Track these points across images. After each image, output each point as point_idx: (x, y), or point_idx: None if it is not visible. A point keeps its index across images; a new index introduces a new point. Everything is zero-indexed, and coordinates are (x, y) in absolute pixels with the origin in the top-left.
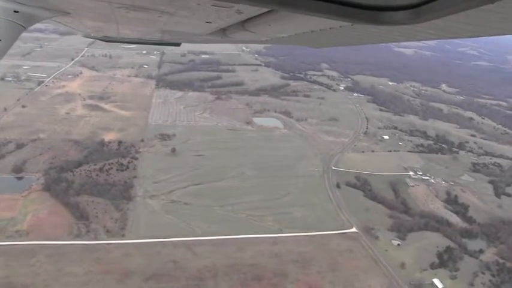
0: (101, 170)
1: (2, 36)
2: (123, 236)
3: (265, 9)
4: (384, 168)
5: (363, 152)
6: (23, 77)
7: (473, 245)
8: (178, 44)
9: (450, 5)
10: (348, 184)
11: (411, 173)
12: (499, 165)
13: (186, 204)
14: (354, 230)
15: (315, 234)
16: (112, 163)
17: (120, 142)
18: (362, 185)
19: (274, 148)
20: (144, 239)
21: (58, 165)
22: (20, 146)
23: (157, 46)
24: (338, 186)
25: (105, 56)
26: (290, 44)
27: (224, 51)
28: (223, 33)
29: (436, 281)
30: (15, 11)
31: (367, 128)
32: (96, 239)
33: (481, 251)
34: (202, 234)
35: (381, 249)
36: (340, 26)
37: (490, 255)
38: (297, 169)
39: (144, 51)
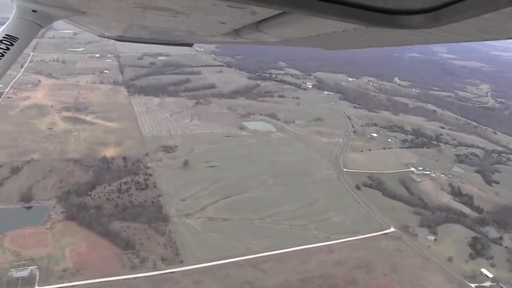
0: (119, 190)
1: (20, 35)
2: (182, 263)
3: (279, 11)
4: (387, 166)
5: (361, 151)
6: None
7: (492, 232)
8: (191, 45)
9: (470, 9)
10: (365, 185)
11: (412, 169)
12: (476, 155)
13: (225, 220)
14: (392, 229)
15: (361, 237)
16: (127, 182)
17: (124, 158)
18: (378, 184)
19: (279, 153)
20: (205, 262)
21: (70, 190)
22: (15, 171)
23: (111, 49)
24: (358, 187)
25: (57, 61)
26: (303, 45)
27: (180, 52)
28: (236, 34)
29: (484, 271)
30: (33, 11)
31: (353, 126)
32: (155, 269)
33: (501, 238)
34: (260, 251)
35: (424, 246)
36: (354, 29)
37: (509, 241)
38: (312, 174)
39: (97, 55)
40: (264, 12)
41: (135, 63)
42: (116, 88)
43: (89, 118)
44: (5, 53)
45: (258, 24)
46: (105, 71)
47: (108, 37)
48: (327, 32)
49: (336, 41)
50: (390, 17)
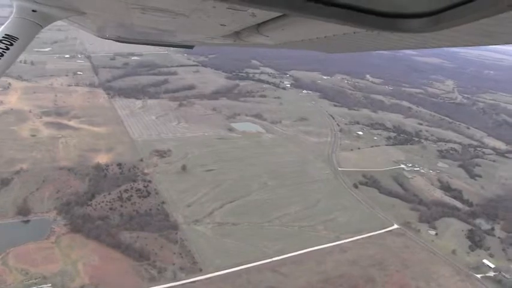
0: (120, 199)
1: (20, 35)
2: (201, 271)
3: (279, 13)
4: (379, 164)
5: (351, 150)
6: None
7: (484, 224)
8: (191, 47)
9: (471, 12)
10: (362, 183)
11: (402, 165)
12: (456, 150)
13: (235, 225)
14: (396, 226)
15: (369, 235)
16: (127, 189)
17: (119, 164)
18: (373, 182)
19: (273, 154)
20: (224, 269)
21: (69, 200)
22: (5, 182)
23: (79, 49)
24: (356, 186)
25: (25, 62)
26: (303, 48)
27: (151, 52)
28: (236, 36)
29: (487, 262)
30: (33, 10)
31: (338, 125)
32: (176, 279)
33: (492, 229)
34: (275, 254)
35: (428, 241)
36: (354, 32)
37: (499, 231)
38: (310, 174)
39: (67, 55)
40: (264, 14)
41: (108, 64)
42: (94, 90)
43: (72, 123)
44: (5, 52)
45: (259, 26)
46: (79, 73)
47: (107, 38)
48: (327, 35)
49: (336, 44)
50: (391, 20)
